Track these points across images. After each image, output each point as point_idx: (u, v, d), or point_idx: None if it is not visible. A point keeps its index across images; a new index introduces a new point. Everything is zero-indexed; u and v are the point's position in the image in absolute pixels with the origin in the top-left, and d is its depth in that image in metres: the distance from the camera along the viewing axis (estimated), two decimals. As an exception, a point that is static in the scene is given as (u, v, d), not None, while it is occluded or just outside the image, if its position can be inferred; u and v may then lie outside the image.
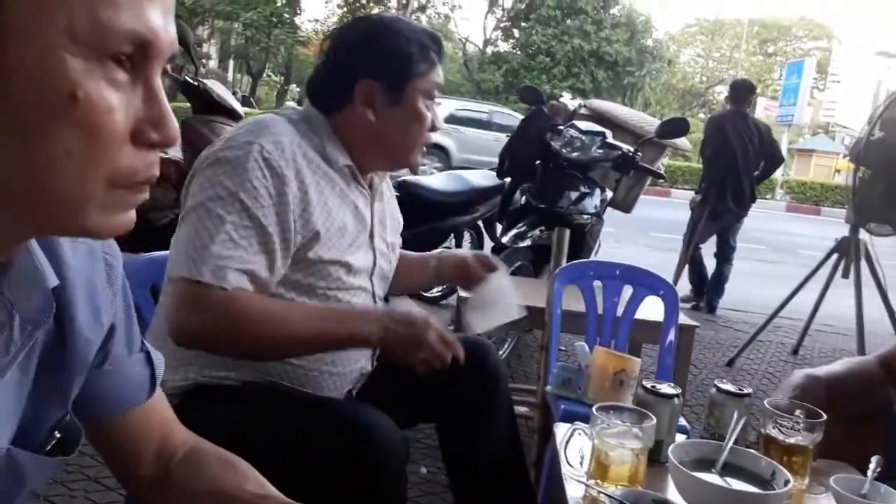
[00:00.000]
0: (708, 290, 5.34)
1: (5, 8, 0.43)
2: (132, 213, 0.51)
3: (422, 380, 1.43)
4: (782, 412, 1.13)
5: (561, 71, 26.05)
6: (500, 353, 2.95)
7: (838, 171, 27.83)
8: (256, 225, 1.16)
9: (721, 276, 5.31)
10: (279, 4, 24.21)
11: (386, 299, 1.51)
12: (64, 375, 0.62)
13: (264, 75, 30.07)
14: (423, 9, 27.86)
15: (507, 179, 3.73)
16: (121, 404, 0.73)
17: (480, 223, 4.23)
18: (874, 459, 1.06)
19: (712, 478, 1.02)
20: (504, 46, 29.53)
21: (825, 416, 1.13)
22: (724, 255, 5.32)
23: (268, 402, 1.24)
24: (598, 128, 3.35)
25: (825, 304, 3.97)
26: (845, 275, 3.87)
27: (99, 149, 0.47)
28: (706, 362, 3.82)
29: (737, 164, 4.94)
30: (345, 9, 26.10)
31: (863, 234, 3.89)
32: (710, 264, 5.34)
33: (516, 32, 28.89)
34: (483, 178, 4.05)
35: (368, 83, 1.28)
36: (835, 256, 3.99)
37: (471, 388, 1.46)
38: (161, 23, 0.48)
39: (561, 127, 3.32)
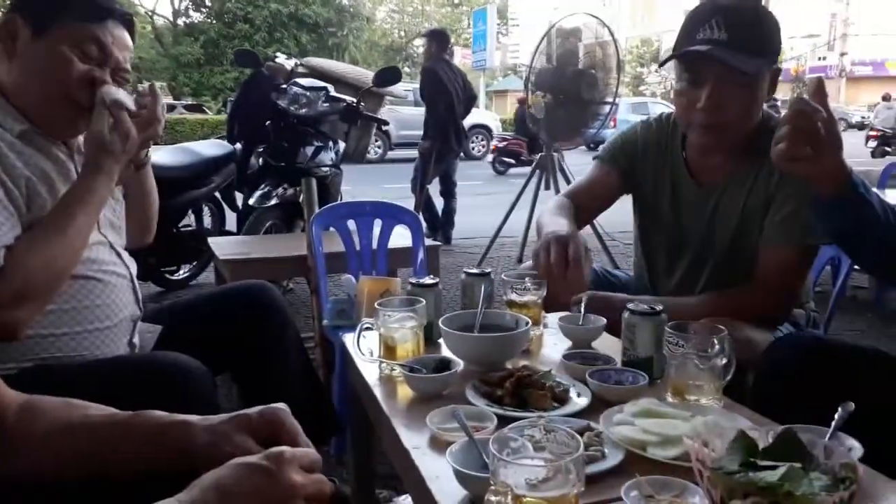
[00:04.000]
0: (441, 224, 5.89)
1: None
2: None
3: (207, 332, 1.49)
4: (516, 280, 1.43)
5: (263, 37, 25.49)
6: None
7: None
8: None
9: (450, 211, 5.89)
10: None
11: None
12: None
13: None
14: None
15: (239, 145, 3.75)
16: None
17: (218, 194, 4.17)
18: (584, 297, 1.41)
19: (472, 333, 1.28)
20: (198, 17, 27.95)
21: (546, 280, 1.46)
22: (450, 191, 5.88)
23: (55, 384, 1.20)
24: (321, 83, 3.52)
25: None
26: (547, 187, 4.57)
27: None
28: (451, 284, 4.27)
29: (454, 107, 5.45)
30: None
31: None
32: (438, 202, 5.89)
33: (208, 1, 27.48)
34: (213, 147, 3.99)
35: (13, 17, 1.26)
36: (538, 173, 4.68)
37: (257, 329, 1.53)
38: None
39: (284, 86, 3.43)
